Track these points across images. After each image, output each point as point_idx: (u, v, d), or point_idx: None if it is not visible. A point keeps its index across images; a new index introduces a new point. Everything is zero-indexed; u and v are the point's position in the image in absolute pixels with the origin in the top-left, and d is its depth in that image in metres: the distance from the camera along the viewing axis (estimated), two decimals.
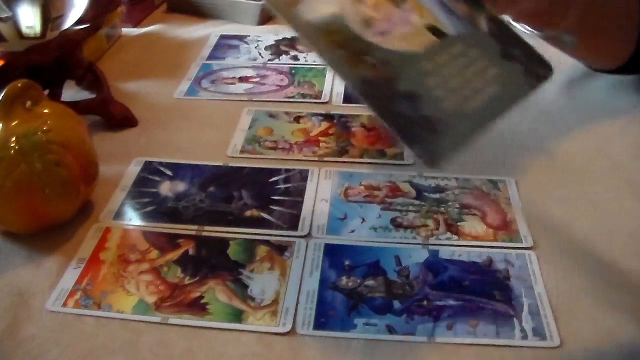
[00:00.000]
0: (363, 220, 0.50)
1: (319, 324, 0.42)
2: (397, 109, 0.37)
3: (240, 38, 0.81)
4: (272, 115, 0.64)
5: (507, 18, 0.45)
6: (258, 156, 0.58)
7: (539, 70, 0.42)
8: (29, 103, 0.47)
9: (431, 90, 0.38)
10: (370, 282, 0.45)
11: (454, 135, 0.38)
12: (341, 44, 0.39)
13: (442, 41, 0.41)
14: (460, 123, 0.38)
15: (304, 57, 0.76)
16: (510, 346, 0.40)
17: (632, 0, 0.57)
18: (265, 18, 0.86)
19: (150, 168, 0.57)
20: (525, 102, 0.44)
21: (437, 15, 0.43)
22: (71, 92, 0.66)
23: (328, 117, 0.64)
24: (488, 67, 0.41)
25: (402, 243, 0.48)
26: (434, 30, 0.42)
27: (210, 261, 0.47)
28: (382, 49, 0.39)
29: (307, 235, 0.49)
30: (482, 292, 0.44)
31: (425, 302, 0.43)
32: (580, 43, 0.55)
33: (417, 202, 0.52)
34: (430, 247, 0.48)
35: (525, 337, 0.41)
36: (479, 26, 0.43)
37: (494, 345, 0.40)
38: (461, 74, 0.40)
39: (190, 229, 0.50)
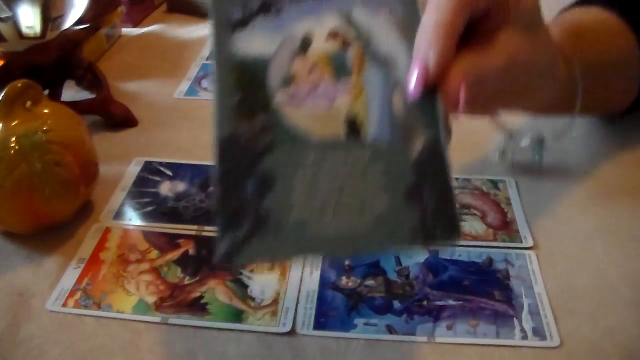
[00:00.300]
0: None
1: (319, 324, 0.42)
2: (242, 184, 0.33)
3: None
4: None
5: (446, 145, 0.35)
6: None
7: (439, 231, 0.33)
8: (29, 103, 0.47)
9: (293, 187, 0.33)
10: (370, 282, 0.45)
11: (276, 247, 0.32)
12: (244, 87, 0.35)
13: (349, 140, 0.34)
14: (294, 236, 0.32)
15: None
16: (510, 346, 0.40)
17: (632, 54, 0.54)
18: None
19: (150, 168, 0.57)
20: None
21: (371, 107, 0.35)
22: (71, 92, 0.66)
23: None
24: (377, 193, 0.33)
25: None
26: (351, 125, 0.34)
27: (210, 261, 0.47)
28: (278, 114, 0.34)
29: None
30: (482, 292, 0.44)
31: (425, 302, 0.43)
32: (582, 113, 0.52)
33: None
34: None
35: (525, 337, 0.41)
36: (409, 145, 0.34)
37: (494, 345, 0.40)
38: (340, 182, 0.33)
39: (190, 229, 0.50)
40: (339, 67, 0.36)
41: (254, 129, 0.34)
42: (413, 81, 0.35)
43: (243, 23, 0.36)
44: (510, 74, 0.39)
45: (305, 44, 0.36)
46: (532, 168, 0.53)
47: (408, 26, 0.36)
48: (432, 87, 0.35)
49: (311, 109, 0.35)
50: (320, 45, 0.36)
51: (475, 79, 0.36)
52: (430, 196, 0.33)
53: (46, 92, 0.60)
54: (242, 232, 0.32)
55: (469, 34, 0.37)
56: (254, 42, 0.36)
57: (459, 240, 0.33)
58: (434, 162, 0.34)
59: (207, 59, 0.76)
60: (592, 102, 0.51)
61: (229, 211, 0.32)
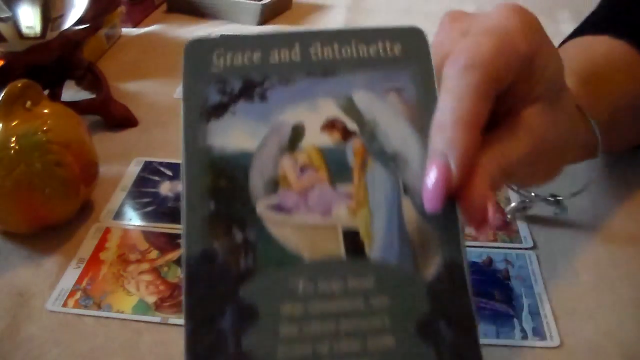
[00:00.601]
0: None
1: None
2: (216, 319, 0.27)
3: None
4: None
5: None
6: None
7: None
8: (29, 103, 0.47)
9: (279, 321, 0.27)
10: None
11: None
12: (219, 193, 0.28)
13: (349, 261, 0.28)
14: None
15: None
16: (510, 346, 0.40)
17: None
18: (265, 18, 0.86)
19: (150, 168, 0.57)
20: None
21: (376, 219, 0.29)
22: (71, 92, 0.66)
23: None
24: (383, 333, 0.27)
25: None
26: (351, 242, 0.28)
27: None
28: (261, 230, 0.28)
29: None
30: (482, 292, 0.44)
31: None
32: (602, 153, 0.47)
33: None
34: None
35: (525, 337, 0.41)
36: (423, 267, 0.28)
37: (494, 345, 0.40)
38: (337, 321, 0.27)
39: None
40: (336, 167, 0.30)
41: (232, 246, 0.28)
42: (431, 189, 0.28)
43: (220, 109, 0.30)
44: (538, 157, 0.34)
45: (295, 137, 0.30)
46: (550, 220, 0.50)
47: (422, 112, 0.30)
48: (453, 196, 0.29)
49: (303, 221, 0.29)
50: (314, 138, 0.30)
51: (501, 175, 0.31)
52: (447, 331, 0.28)
53: (46, 92, 0.60)
54: None
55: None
56: (233, 134, 0.29)
57: None
58: (452, 288, 0.28)
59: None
60: (607, 148, 0.47)
61: (200, 351, 0.27)
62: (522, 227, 0.49)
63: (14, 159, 0.45)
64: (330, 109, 0.30)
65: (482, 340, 0.40)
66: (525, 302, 0.43)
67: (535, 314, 0.42)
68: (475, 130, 0.29)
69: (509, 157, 0.32)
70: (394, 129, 0.30)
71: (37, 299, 0.44)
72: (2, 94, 0.46)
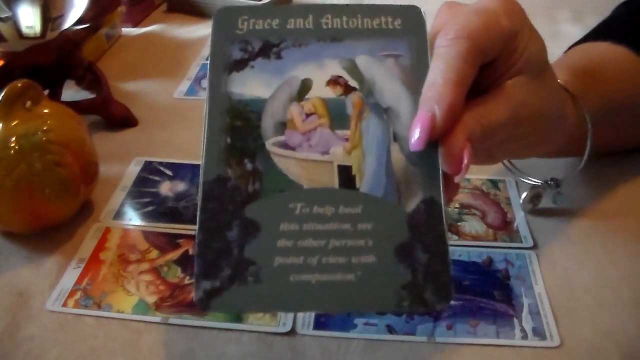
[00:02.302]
0: None
1: (319, 324, 0.42)
2: (224, 230, 0.32)
3: None
4: None
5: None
6: None
7: (428, 294, 0.31)
8: (29, 103, 0.47)
9: (277, 236, 0.32)
10: None
11: (253, 298, 0.31)
12: (235, 129, 0.33)
13: (341, 191, 0.33)
14: (273, 289, 0.31)
15: None
16: (510, 346, 0.40)
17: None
18: None
19: (150, 168, 0.57)
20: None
21: (368, 159, 0.34)
22: (71, 92, 0.67)
23: None
24: (365, 251, 0.32)
25: None
26: (344, 175, 0.33)
27: None
28: (268, 160, 0.33)
29: None
30: (482, 292, 0.44)
31: None
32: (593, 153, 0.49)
33: None
34: None
35: (525, 337, 0.41)
36: (404, 201, 0.33)
37: (494, 345, 0.40)
38: (327, 238, 0.32)
39: (190, 229, 0.50)
40: (337, 115, 0.35)
41: (243, 173, 0.33)
42: (417, 133, 0.33)
43: (241, 64, 0.35)
44: (517, 124, 0.38)
45: (304, 89, 0.35)
46: (551, 209, 0.51)
47: (415, 77, 0.35)
48: (435, 142, 0.33)
49: (304, 156, 0.34)
50: (320, 91, 0.35)
51: (482, 133, 0.35)
52: (422, 256, 0.32)
53: (46, 92, 0.60)
54: (220, 280, 0.31)
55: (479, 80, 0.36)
56: (251, 84, 0.34)
57: (447, 305, 0.32)
58: (430, 221, 0.33)
59: (207, 58, 0.76)
60: (603, 144, 0.48)
61: (209, 256, 0.31)
62: (522, 227, 0.50)
63: (14, 159, 0.45)
64: (335, 68, 0.35)
65: (482, 340, 0.40)
66: (525, 302, 0.43)
67: (535, 314, 0.42)
68: (461, 89, 0.34)
69: (489, 118, 0.36)
70: (389, 87, 0.35)
71: (37, 299, 0.44)
72: (2, 94, 0.46)
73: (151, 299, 0.44)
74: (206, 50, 0.78)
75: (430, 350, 0.40)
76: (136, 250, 0.48)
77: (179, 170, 0.56)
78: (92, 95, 0.65)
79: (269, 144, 0.34)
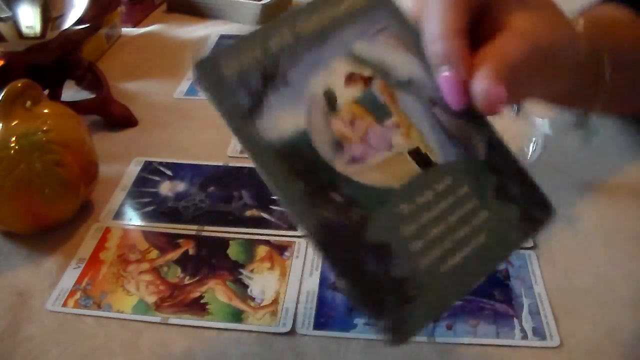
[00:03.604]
0: None
1: (319, 324, 0.42)
2: (363, 266, 0.30)
3: None
4: None
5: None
6: None
7: (537, 212, 0.34)
8: (29, 103, 0.47)
9: (406, 242, 0.31)
10: None
11: (428, 303, 0.31)
12: (302, 173, 0.31)
13: (426, 173, 0.33)
14: (437, 287, 0.31)
15: None
16: (510, 346, 0.40)
17: None
18: (265, 18, 0.86)
19: (150, 168, 0.57)
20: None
21: (426, 134, 0.34)
22: (71, 92, 0.66)
23: None
24: (477, 210, 0.33)
25: None
26: (419, 157, 0.33)
27: (210, 261, 0.47)
28: (351, 183, 0.32)
29: None
30: (482, 292, 0.44)
31: None
32: (606, 110, 0.48)
33: None
34: None
35: (525, 337, 0.41)
36: (475, 152, 0.35)
37: (494, 345, 0.40)
38: (445, 219, 0.32)
39: (190, 229, 0.50)
40: (375, 108, 0.34)
41: (338, 207, 0.31)
42: (450, 97, 0.34)
43: (257, 108, 0.32)
44: (536, 56, 0.37)
45: (330, 100, 0.34)
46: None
47: (411, 40, 0.35)
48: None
49: (376, 161, 0.33)
50: (345, 94, 0.34)
51: (508, 71, 0.35)
52: (515, 187, 0.34)
53: (46, 92, 0.60)
54: (390, 311, 0.30)
55: (480, 35, 0.36)
56: (281, 123, 0.32)
57: (555, 213, 0.34)
58: (501, 156, 0.35)
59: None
60: (617, 98, 0.47)
61: (367, 298, 0.30)
62: None
63: (14, 159, 0.45)
64: (342, 67, 0.34)
65: (482, 340, 0.40)
66: (525, 302, 0.43)
67: (535, 314, 0.42)
68: (460, 34, 0.35)
69: (509, 55, 0.35)
70: (398, 60, 0.35)
71: (37, 299, 0.44)
72: (2, 94, 0.46)
73: (151, 299, 0.44)
74: (206, 50, 0.78)
75: (430, 350, 0.40)
76: (136, 250, 0.48)
77: (179, 170, 0.56)
78: (92, 95, 0.65)
79: (340, 168, 0.32)
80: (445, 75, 0.34)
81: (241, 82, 0.33)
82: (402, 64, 0.35)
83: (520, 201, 0.34)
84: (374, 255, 0.31)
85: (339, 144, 0.32)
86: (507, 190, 0.34)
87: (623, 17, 0.50)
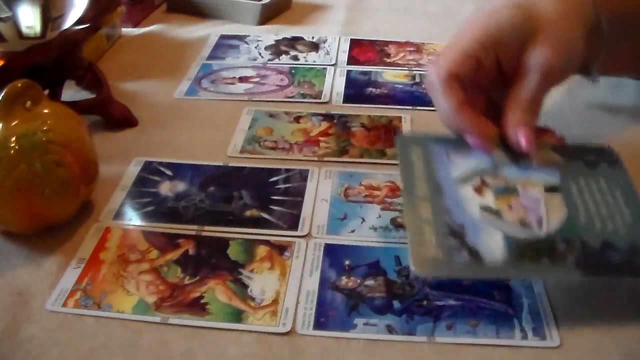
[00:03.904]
0: (363, 220, 0.50)
1: (319, 324, 0.42)
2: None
3: (240, 38, 0.81)
4: (272, 115, 0.64)
5: None
6: (258, 156, 0.58)
7: None
8: (29, 103, 0.47)
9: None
10: (370, 282, 0.45)
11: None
12: (536, 253, 0.41)
13: (561, 190, 0.45)
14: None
15: (304, 57, 0.76)
16: (510, 346, 0.40)
17: None
18: (265, 18, 0.86)
19: (150, 168, 0.57)
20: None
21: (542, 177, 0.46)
22: (71, 92, 0.67)
23: (328, 117, 0.64)
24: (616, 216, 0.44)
25: (402, 243, 0.48)
26: (551, 189, 0.46)
27: (210, 261, 0.47)
28: (562, 234, 0.43)
29: (307, 235, 0.49)
30: (482, 292, 0.44)
31: (425, 302, 0.43)
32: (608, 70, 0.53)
33: None
34: None
35: (525, 337, 0.41)
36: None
37: (494, 345, 0.40)
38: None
39: (190, 229, 0.50)
40: (505, 191, 0.45)
41: (551, 254, 0.42)
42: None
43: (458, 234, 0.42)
44: (550, 84, 0.47)
45: (490, 210, 0.44)
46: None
47: (458, 144, 0.48)
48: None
49: (537, 215, 0.44)
50: (488, 199, 0.45)
51: (530, 110, 0.46)
52: None
53: (46, 92, 0.60)
54: None
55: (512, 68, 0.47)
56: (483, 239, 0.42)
57: None
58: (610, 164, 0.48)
59: (207, 58, 0.76)
60: (616, 59, 0.51)
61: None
62: None
63: (14, 159, 0.45)
64: (467, 190, 0.46)
65: (482, 340, 0.40)
66: (525, 302, 0.43)
67: (535, 314, 0.42)
68: (461, 107, 0.46)
69: (527, 96, 0.46)
70: (477, 159, 0.48)
71: (37, 299, 0.44)
72: (2, 94, 0.46)
73: (151, 299, 0.44)
74: (206, 50, 0.78)
75: (430, 350, 0.40)
76: (136, 250, 0.48)
77: (179, 170, 0.56)
78: (92, 95, 0.65)
79: (539, 233, 0.43)
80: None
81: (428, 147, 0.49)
82: (479, 159, 0.47)
83: None
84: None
85: (522, 222, 0.43)
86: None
87: None
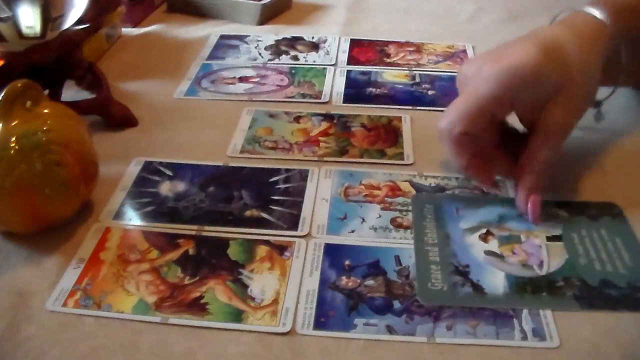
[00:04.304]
0: (363, 220, 0.50)
1: (319, 324, 0.42)
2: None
3: (240, 38, 0.81)
4: (272, 115, 0.64)
5: None
6: (258, 156, 0.58)
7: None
8: (29, 103, 0.47)
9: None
10: (370, 282, 0.45)
11: None
12: (536, 287, 0.44)
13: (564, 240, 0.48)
14: None
15: (304, 57, 0.76)
16: (510, 347, 0.40)
17: None
18: (265, 18, 0.86)
19: (150, 168, 0.57)
20: None
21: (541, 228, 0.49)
22: (71, 92, 0.67)
23: (328, 117, 0.64)
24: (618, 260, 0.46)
25: (402, 243, 0.48)
26: (553, 238, 0.48)
27: (210, 261, 0.47)
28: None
29: (307, 235, 0.49)
30: None
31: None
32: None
33: None
34: None
35: (525, 337, 0.41)
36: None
37: (494, 345, 0.40)
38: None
39: (190, 229, 0.50)
40: (509, 240, 0.48)
41: (551, 289, 0.44)
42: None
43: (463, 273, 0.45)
44: (563, 141, 0.49)
45: (494, 254, 0.47)
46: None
47: (466, 196, 0.53)
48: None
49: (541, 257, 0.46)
50: (493, 245, 0.47)
51: (541, 171, 0.48)
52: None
53: (46, 92, 0.60)
54: None
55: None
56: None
57: None
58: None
59: (207, 58, 0.76)
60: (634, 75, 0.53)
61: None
62: None
63: (14, 159, 0.45)
64: (474, 238, 0.48)
65: (482, 341, 0.40)
66: None
67: (535, 314, 0.42)
68: (472, 165, 0.50)
69: (542, 158, 0.48)
70: (482, 211, 0.51)
71: (37, 299, 0.44)
72: (2, 94, 0.46)
73: (151, 299, 0.44)
74: (206, 50, 0.78)
75: (430, 350, 0.40)
76: (136, 250, 0.48)
77: (179, 170, 0.56)
78: (92, 95, 0.65)
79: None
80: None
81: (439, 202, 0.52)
82: (487, 213, 0.50)
83: None
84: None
85: (524, 264, 0.46)
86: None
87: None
